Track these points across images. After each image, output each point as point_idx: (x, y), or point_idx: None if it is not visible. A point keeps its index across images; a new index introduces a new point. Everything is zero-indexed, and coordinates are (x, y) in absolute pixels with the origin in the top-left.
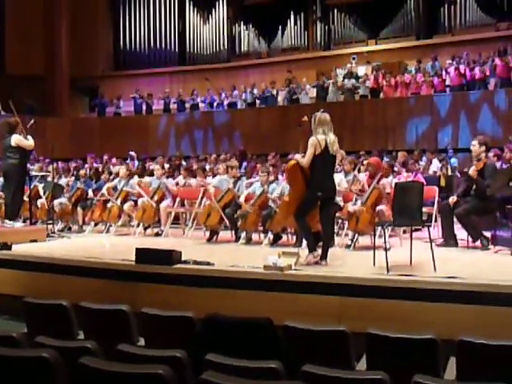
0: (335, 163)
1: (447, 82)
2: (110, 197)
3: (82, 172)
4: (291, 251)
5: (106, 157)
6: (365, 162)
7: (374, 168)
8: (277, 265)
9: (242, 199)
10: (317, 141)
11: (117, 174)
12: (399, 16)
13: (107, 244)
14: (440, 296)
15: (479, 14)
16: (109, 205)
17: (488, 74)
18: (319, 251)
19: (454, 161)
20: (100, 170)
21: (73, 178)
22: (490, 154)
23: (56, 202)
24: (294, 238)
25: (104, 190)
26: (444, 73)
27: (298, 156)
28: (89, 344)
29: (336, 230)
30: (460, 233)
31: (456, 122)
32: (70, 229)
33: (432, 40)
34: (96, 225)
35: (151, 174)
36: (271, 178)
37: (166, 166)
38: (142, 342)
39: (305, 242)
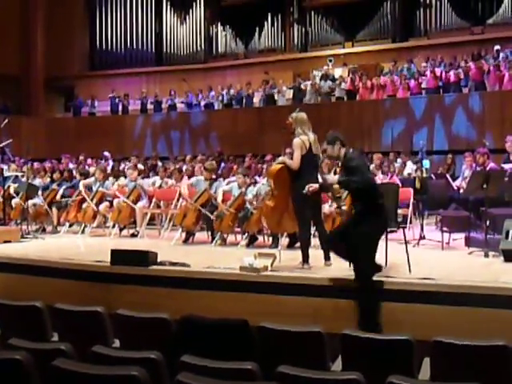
0: (318, 163)
1: (423, 85)
2: (85, 195)
3: (55, 175)
4: (267, 252)
5: (81, 157)
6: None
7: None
8: (253, 266)
9: (219, 199)
10: (301, 141)
11: (92, 175)
12: (376, 19)
13: (82, 245)
14: (414, 297)
15: (454, 18)
16: (84, 205)
17: (462, 77)
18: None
19: (425, 163)
20: (74, 170)
21: (48, 178)
22: (468, 158)
23: (30, 202)
24: (271, 239)
25: (81, 187)
26: (420, 75)
27: (285, 159)
28: (63, 346)
29: (312, 232)
30: (434, 234)
31: (431, 124)
32: (44, 230)
33: (408, 43)
34: (71, 226)
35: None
36: (248, 180)
37: (140, 166)
38: (117, 343)
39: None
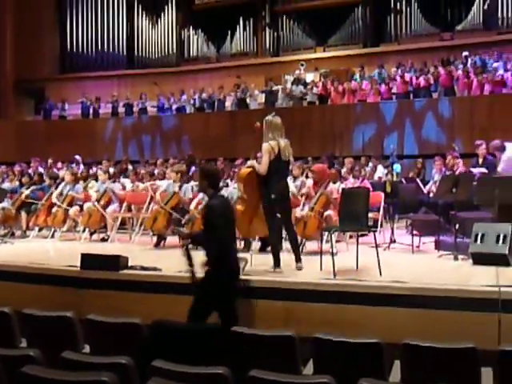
0: (288, 168)
1: (393, 90)
2: (57, 202)
3: (24, 179)
4: (239, 256)
5: (50, 160)
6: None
7: (317, 175)
8: None
9: (192, 206)
10: (270, 147)
11: (62, 179)
12: (347, 24)
13: (52, 249)
14: (385, 300)
15: (424, 24)
16: (54, 209)
17: (432, 82)
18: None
19: (396, 167)
20: (44, 174)
21: (17, 182)
22: (437, 162)
23: None
24: (243, 243)
25: (54, 199)
26: (390, 80)
27: (254, 163)
28: (32, 352)
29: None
30: (404, 238)
31: (401, 129)
32: (13, 234)
33: (379, 48)
34: (40, 230)
35: (97, 178)
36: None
37: (111, 169)
38: (87, 349)
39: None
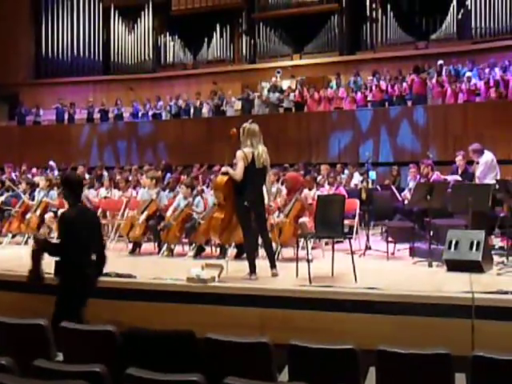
0: (264, 175)
1: (369, 98)
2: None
3: None
4: (215, 263)
5: (24, 167)
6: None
7: (289, 183)
8: (200, 277)
9: (168, 213)
10: (244, 154)
11: (37, 185)
12: (323, 32)
13: (25, 256)
14: (360, 307)
15: (399, 32)
16: (28, 216)
17: (407, 90)
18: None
19: (372, 174)
20: (17, 180)
21: None
22: (412, 169)
23: None
24: (218, 250)
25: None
26: (366, 88)
27: (228, 169)
28: (3, 360)
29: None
30: (380, 245)
31: (377, 136)
32: None
33: (355, 56)
34: (14, 236)
35: None
36: (195, 191)
37: (87, 175)
38: (60, 357)
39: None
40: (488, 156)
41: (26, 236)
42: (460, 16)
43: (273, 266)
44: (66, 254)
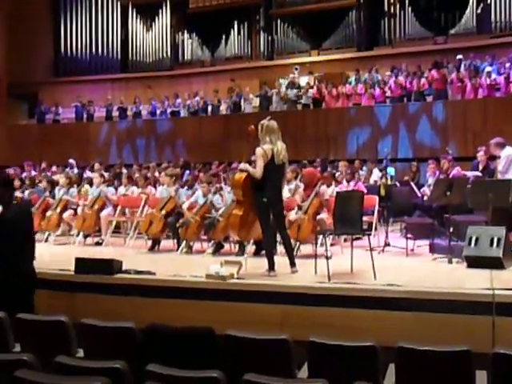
0: (283, 172)
1: (387, 94)
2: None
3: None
4: (234, 260)
5: (43, 165)
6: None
7: (306, 179)
8: (219, 274)
9: (185, 206)
10: (263, 151)
11: (57, 183)
12: (341, 28)
13: (46, 253)
14: (379, 303)
15: (418, 27)
16: (48, 213)
17: (426, 86)
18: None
19: (390, 170)
20: (37, 177)
21: None
22: (431, 165)
23: None
24: (237, 246)
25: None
26: (384, 84)
27: (247, 166)
28: (25, 356)
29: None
30: (399, 241)
31: (395, 132)
32: None
33: (373, 52)
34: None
35: (91, 182)
36: (213, 188)
37: (105, 173)
38: (81, 353)
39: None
40: (509, 150)
41: (47, 233)
42: (479, 10)
43: (292, 263)
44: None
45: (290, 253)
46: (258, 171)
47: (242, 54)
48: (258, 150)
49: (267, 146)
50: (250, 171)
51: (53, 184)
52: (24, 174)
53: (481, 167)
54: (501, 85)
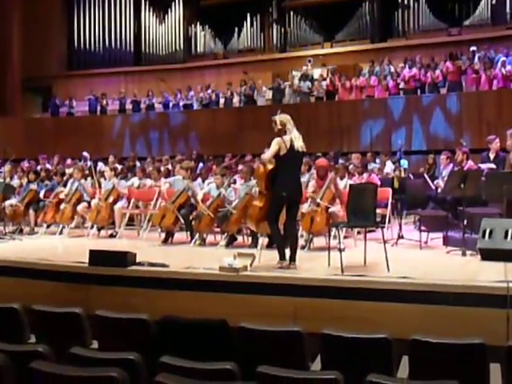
0: (301, 162)
1: (401, 86)
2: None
3: (30, 175)
4: (247, 252)
5: (57, 158)
6: None
7: (318, 169)
8: (232, 266)
9: (199, 197)
10: (282, 140)
11: (71, 176)
12: (354, 19)
13: (60, 246)
14: (393, 296)
15: (432, 19)
16: (62, 206)
17: (440, 77)
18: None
19: (403, 162)
20: (51, 171)
21: (25, 179)
22: (443, 157)
23: (7, 203)
24: (250, 239)
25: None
26: (397, 76)
27: (262, 155)
28: (40, 348)
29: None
30: (412, 234)
31: (409, 124)
32: (21, 231)
33: (386, 43)
34: (49, 226)
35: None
36: (226, 181)
37: (118, 166)
38: (95, 344)
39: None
40: None
41: (61, 226)
42: (494, 1)
43: (293, 259)
44: None
45: (294, 248)
46: (267, 154)
47: (254, 47)
48: (277, 139)
49: (286, 136)
50: (262, 159)
51: (63, 176)
52: (39, 167)
53: (492, 156)
54: None
